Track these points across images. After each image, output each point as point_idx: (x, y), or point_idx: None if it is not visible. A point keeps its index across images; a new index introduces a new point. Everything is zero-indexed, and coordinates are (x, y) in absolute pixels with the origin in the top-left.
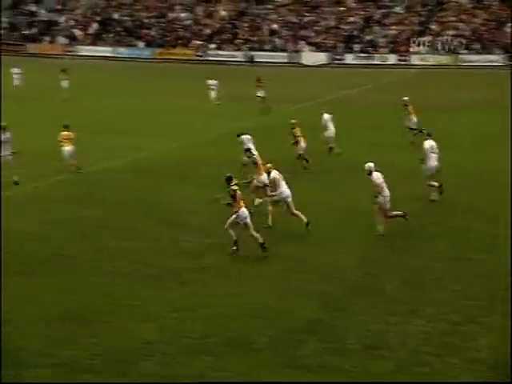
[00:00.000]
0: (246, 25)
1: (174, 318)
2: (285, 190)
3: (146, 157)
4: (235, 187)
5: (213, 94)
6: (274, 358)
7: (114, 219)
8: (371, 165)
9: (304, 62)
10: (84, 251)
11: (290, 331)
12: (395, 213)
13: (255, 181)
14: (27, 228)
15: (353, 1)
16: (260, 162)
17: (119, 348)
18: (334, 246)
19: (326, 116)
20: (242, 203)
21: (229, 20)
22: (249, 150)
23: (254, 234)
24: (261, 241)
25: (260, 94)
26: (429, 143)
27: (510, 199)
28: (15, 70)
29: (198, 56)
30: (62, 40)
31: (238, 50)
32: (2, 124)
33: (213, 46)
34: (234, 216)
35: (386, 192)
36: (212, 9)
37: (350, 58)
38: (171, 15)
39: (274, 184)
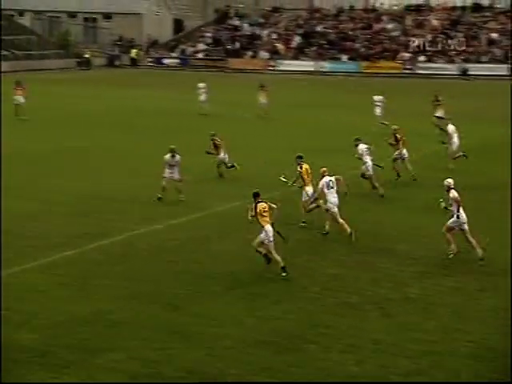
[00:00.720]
0: (460, 34)
1: (376, 351)
2: (331, 197)
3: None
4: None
5: (378, 111)
6: None
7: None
8: (451, 181)
9: None
10: (276, 273)
11: None
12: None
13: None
14: (228, 248)
15: None
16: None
17: (318, 379)
18: None
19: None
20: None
21: (441, 30)
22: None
23: None
24: None
25: (439, 114)
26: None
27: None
28: (201, 85)
29: (406, 69)
30: (263, 55)
31: (451, 62)
32: (172, 147)
33: (422, 58)
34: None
35: (462, 213)
36: (422, 18)
37: None
38: (377, 26)
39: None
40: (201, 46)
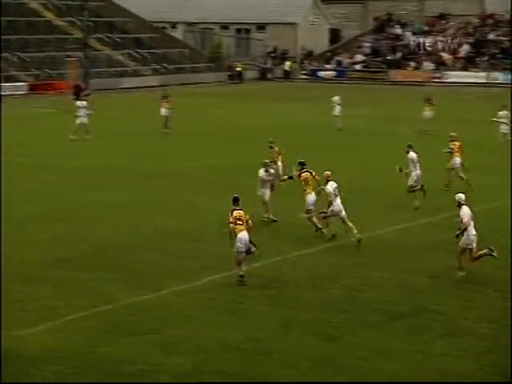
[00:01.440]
0: None
1: None
2: (338, 202)
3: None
4: None
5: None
6: None
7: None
8: (462, 196)
9: None
10: (440, 304)
11: None
12: (481, 252)
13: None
14: (386, 275)
15: None
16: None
17: None
18: None
19: None
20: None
21: None
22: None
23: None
24: None
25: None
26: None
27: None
28: (336, 99)
29: None
30: (428, 65)
31: None
32: (264, 161)
33: None
34: None
35: (473, 230)
36: None
37: None
38: None
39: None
40: (359, 57)
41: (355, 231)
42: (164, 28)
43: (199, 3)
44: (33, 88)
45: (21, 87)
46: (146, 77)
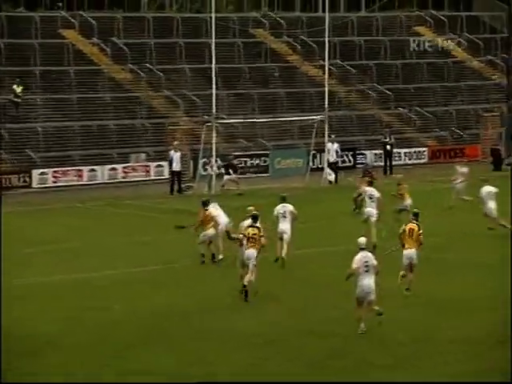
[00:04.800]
0: None
1: None
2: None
3: None
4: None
5: None
6: None
7: None
8: (361, 241)
9: None
10: None
11: None
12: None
13: None
14: None
15: None
16: None
17: None
18: None
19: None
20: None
21: None
22: None
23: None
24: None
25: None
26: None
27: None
28: None
29: None
30: None
31: None
32: None
33: None
34: None
35: (365, 281)
36: None
37: None
38: None
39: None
40: None
41: None
42: None
43: None
44: (435, 154)
45: (420, 154)
46: None
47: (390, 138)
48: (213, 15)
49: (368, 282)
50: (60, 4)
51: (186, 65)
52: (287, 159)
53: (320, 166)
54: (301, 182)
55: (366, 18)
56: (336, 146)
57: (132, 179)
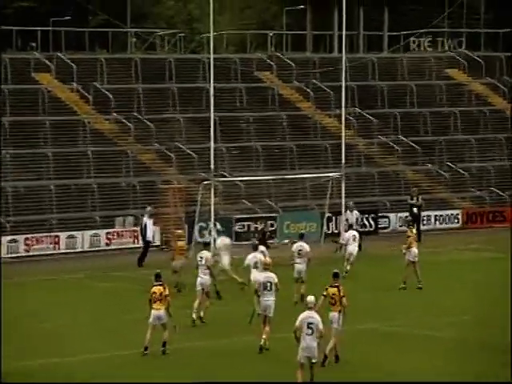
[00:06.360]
0: None
1: None
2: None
3: None
4: None
5: None
6: None
7: None
8: (310, 300)
9: None
10: None
11: None
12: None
13: None
14: None
15: None
16: None
17: None
18: None
19: None
20: None
21: None
22: None
23: None
24: None
25: None
26: None
27: None
28: None
29: None
30: None
31: None
32: None
33: None
34: None
35: (305, 342)
36: None
37: None
38: None
39: None
40: None
41: None
42: None
43: None
44: (470, 218)
45: (453, 218)
46: None
47: (418, 199)
48: (211, 56)
49: (310, 342)
50: (34, 44)
51: (180, 114)
52: (298, 223)
53: (336, 231)
54: (315, 249)
55: (390, 58)
56: (356, 214)
57: (117, 246)
